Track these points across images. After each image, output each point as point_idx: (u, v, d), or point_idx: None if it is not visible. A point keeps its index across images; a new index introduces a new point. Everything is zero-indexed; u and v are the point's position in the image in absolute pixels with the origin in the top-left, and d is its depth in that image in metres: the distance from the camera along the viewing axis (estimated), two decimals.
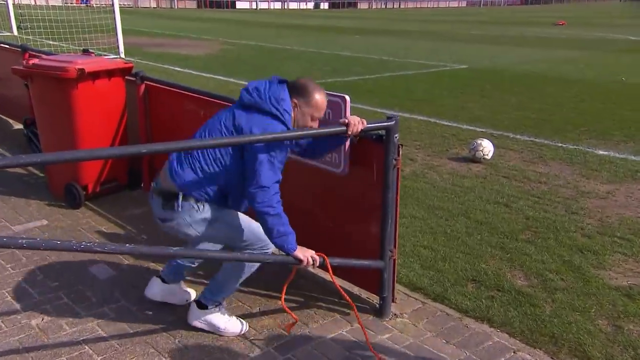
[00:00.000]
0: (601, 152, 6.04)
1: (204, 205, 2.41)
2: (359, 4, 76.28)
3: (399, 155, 2.64)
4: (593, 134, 6.85)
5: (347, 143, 2.77)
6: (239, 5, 63.77)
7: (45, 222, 3.94)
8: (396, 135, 2.60)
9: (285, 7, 67.23)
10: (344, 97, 2.76)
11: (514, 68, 13.16)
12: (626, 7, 61.72)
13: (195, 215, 2.42)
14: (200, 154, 2.38)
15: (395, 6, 79.00)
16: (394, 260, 2.83)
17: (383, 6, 78.15)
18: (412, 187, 4.86)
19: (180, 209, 2.39)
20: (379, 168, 2.71)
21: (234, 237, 2.53)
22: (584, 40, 20.56)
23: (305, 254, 2.40)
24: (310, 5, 70.50)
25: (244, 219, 2.54)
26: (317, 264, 2.44)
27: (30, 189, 4.56)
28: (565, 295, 3.08)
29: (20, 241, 1.83)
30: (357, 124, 2.46)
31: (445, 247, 3.68)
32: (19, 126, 6.35)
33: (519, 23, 34.24)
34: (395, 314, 2.86)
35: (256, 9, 60.99)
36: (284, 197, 2.39)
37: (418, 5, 79.51)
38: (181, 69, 12.16)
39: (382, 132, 2.62)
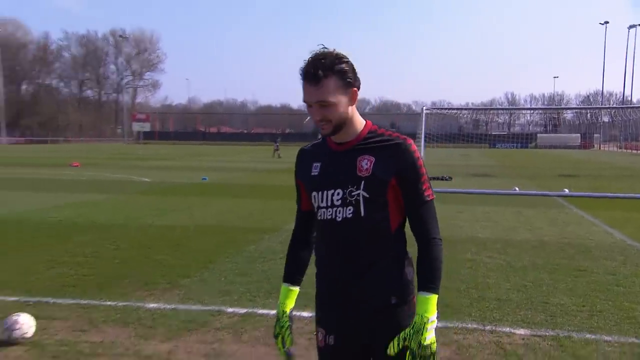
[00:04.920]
0: (151, 305, 5.95)
1: None
2: None
3: None
4: (138, 284, 6.75)
5: None
6: None
7: None
8: None
9: None
10: None
11: (37, 216, 12.07)
12: (130, 148, 69.51)
13: None
14: None
15: None
16: None
17: None
18: None
19: None
20: None
21: None
22: (102, 182, 21.34)
23: None
24: None
25: None
26: None
27: None
28: None
29: None
30: None
31: None
32: None
33: (30, 164, 32.57)
34: None
35: None
36: None
37: None
38: None
39: None
